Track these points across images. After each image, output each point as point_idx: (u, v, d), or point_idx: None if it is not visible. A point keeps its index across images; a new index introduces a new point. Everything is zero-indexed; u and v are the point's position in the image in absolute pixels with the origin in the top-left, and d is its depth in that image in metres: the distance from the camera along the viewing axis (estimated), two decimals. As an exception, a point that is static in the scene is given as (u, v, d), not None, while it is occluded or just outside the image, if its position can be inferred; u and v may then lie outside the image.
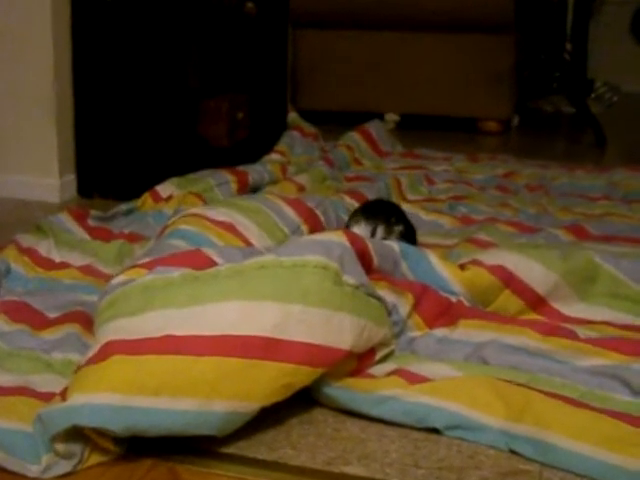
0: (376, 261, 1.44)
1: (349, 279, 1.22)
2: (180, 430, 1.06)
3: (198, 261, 1.29)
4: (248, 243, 1.55)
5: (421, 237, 2.06)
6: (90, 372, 1.07)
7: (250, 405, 1.09)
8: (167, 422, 1.04)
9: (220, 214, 1.58)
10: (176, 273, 1.19)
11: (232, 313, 1.10)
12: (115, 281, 1.27)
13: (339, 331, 1.16)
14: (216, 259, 1.32)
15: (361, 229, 1.69)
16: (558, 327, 1.38)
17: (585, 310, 1.54)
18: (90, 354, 1.12)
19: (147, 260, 1.34)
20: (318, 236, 1.27)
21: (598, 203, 2.47)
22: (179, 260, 1.29)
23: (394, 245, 1.51)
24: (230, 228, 1.55)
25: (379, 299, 1.30)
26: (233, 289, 1.13)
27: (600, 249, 1.92)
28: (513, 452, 1.11)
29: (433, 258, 1.52)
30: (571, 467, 1.06)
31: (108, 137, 2.50)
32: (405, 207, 2.31)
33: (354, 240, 1.34)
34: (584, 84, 4.41)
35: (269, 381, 1.10)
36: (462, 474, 1.07)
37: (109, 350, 1.08)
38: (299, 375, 1.13)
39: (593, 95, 4.12)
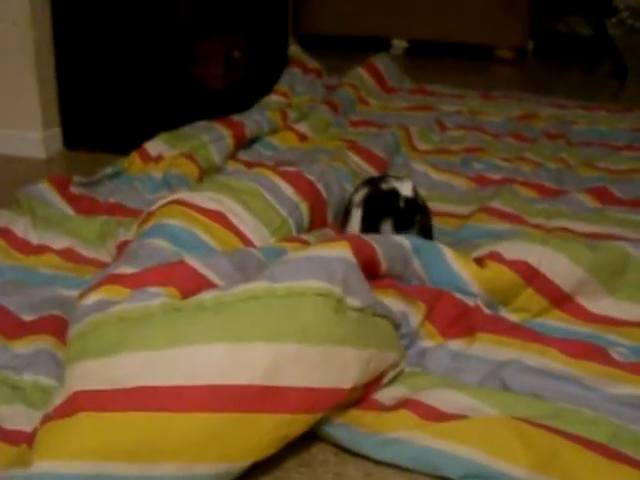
0: (385, 266, 1.28)
1: (353, 302, 1.07)
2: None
3: (182, 276, 1.14)
4: (240, 235, 1.39)
5: (433, 202, 1.91)
6: (56, 431, 0.93)
7: (240, 464, 0.96)
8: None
9: (209, 200, 1.41)
10: (155, 301, 1.03)
11: (219, 358, 0.95)
12: (89, 301, 1.12)
13: (341, 369, 1.02)
14: (202, 271, 1.17)
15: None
16: (586, 347, 1.23)
17: (613, 306, 1.41)
18: (57, 402, 0.97)
19: (125, 272, 1.19)
20: (318, 251, 1.11)
21: (622, 154, 2.30)
22: (161, 276, 1.13)
23: (405, 242, 1.35)
24: (220, 218, 1.39)
25: (387, 317, 1.15)
26: (219, 328, 0.97)
27: (626, 219, 1.79)
28: (538, 511, 0.98)
29: (449, 255, 1.36)
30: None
31: (94, 85, 2.31)
32: (415, 160, 2.16)
33: (360, 250, 1.18)
34: (602, 2, 4.15)
35: (262, 436, 0.96)
36: (481, 540, 0.95)
37: (76, 404, 0.94)
38: (296, 424, 0.99)
39: (614, 19, 3.88)
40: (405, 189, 1.49)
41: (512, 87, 3.20)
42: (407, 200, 1.49)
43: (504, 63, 3.77)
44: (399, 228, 1.47)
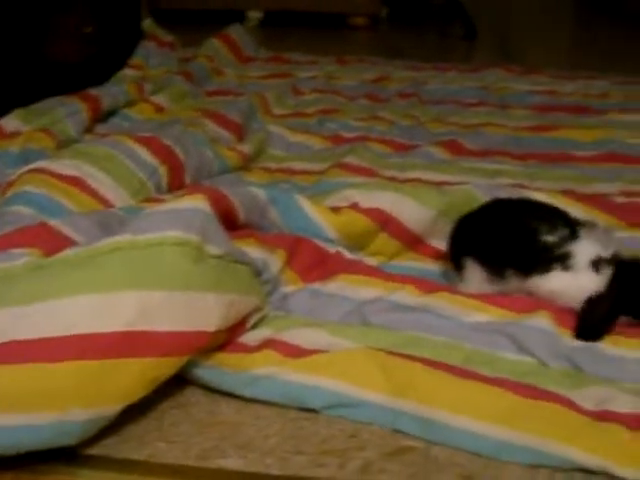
0: (242, 216, 1.34)
1: (212, 249, 1.12)
2: (35, 446, 0.95)
3: (45, 238, 1.17)
4: (101, 198, 1.42)
5: (289, 162, 1.98)
6: None
7: (113, 407, 0.99)
8: (19, 441, 0.93)
9: (66, 167, 1.43)
10: (19, 261, 1.05)
11: (85, 308, 0.98)
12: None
13: (204, 313, 1.06)
14: (66, 232, 1.20)
15: None
16: (440, 284, 1.32)
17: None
18: None
19: (-14, 237, 1.20)
20: (177, 204, 1.15)
21: (472, 110, 2.42)
22: (23, 238, 1.16)
23: (259, 192, 1.41)
24: (79, 183, 1.41)
25: (247, 263, 1.21)
26: (84, 280, 1.00)
27: (476, 167, 1.89)
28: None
29: (305, 203, 1.43)
30: (459, 444, 1.01)
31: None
32: (271, 124, 2.21)
33: (216, 201, 1.23)
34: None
35: (132, 379, 1.00)
36: (345, 457, 1.02)
37: (-54, 362, 0.96)
38: (164, 367, 1.03)
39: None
40: None
41: (367, 53, 3.29)
42: None
43: (358, 30, 3.86)
44: None
